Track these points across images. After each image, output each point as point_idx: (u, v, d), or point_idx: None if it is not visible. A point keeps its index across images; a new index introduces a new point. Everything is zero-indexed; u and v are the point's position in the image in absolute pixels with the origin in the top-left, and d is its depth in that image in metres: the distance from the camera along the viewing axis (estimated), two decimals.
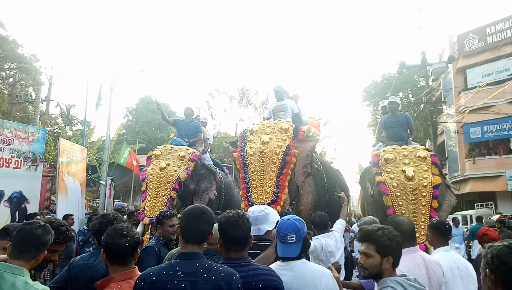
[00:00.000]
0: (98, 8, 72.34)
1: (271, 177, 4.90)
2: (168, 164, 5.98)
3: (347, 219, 4.26)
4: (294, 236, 2.04)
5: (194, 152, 6.33)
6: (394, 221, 2.37)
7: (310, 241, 2.25)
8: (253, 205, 4.22)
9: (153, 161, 6.18)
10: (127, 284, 1.86)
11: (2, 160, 6.11)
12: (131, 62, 67.99)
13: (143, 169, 6.25)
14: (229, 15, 71.11)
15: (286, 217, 2.18)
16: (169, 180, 5.81)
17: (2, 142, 6.16)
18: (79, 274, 2.30)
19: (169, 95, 75.21)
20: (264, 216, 2.70)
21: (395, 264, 1.76)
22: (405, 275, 1.76)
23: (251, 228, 2.72)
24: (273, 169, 4.97)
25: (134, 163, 10.75)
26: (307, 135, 5.67)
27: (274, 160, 5.03)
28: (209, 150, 7.43)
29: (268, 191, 4.80)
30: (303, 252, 2.08)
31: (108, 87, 11.35)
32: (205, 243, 1.91)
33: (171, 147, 6.42)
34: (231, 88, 35.20)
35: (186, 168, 6.01)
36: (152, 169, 5.99)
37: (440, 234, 2.74)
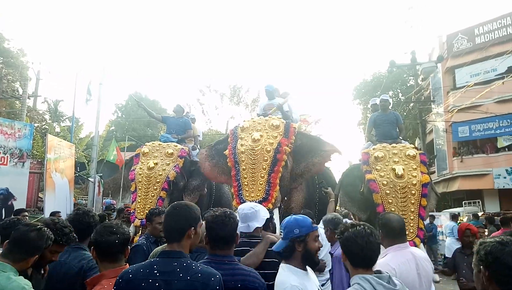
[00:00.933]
0: (87, 3, 71.33)
1: (262, 175, 4.90)
2: (156, 163, 5.86)
3: None
4: (283, 232, 2.07)
5: (183, 149, 6.25)
6: (384, 218, 2.38)
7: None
8: (244, 202, 4.22)
9: (141, 159, 6.07)
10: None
11: None
12: (120, 58, 67.28)
13: (132, 169, 6.14)
14: (220, 12, 70.81)
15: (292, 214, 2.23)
16: (158, 180, 5.69)
17: None
18: (52, 271, 2.26)
19: (159, 92, 74.64)
20: (254, 214, 2.71)
21: (355, 263, 1.73)
22: (380, 272, 1.74)
23: (240, 225, 2.73)
24: (264, 167, 4.96)
25: (120, 159, 10.62)
26: (297, 131, 5.67)
27: (265, 158, 5.02)
28: (198, 146, 7.38)
29: (260, 188, 4.80)
30: (290, 254, 2.03)
31: (97, 83, 11.21)
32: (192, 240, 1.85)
33: (159, 144, 6.30)
34: (222, 86, 35.11)
35: (175, 166, 5.91)
36: (140, 168, 5.87)
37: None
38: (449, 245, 9.16)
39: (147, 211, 5.23)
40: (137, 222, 5.36)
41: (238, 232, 2.08)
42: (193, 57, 64.31)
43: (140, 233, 5.23)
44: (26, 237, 1.95)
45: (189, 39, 69.71)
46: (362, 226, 1.77)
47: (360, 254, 1.71)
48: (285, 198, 5.19)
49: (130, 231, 5.01)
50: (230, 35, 66.23)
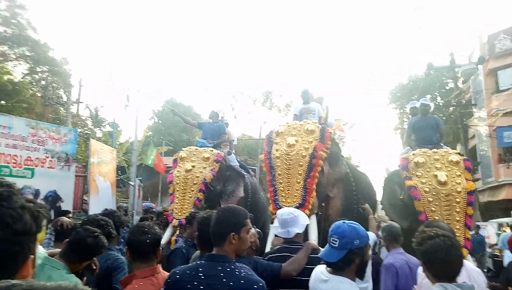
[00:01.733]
0: (124, 10, 74.27)
1: (298, 180, 4.87)
2: (194, 166, 6.02)
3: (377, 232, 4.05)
4: (337, 241, 1.86)
5: (219, 153, 6.36)
6: (434, 227, 2.29)
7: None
8: (281, 208, 4.22)
9: (179, 163, 6.24)
10: (149, 281, 1.93)
11: (37, 159, 6.36)
12: (157, 64, 69.36)
13: (170, 172, 6.33)
14: (253, 18, 71.45)
15: (342, 220, 2.00)
16: (195, 182, 5.84)
17: (37, 143, 6.41)
18: None
19: (193, 98, 76.23)
20: (293, 219, 2.69)
21: (437, 275, 1.68)
22: (464, 283, 1.68)
23: (280, 230, 2.71)
24: (299, 172, 4.93)
25: (160, 164, 10.94)
26: (333, 136, 5.61)
27: (301, 163, 4.99)
28: (233, 151, 7.47)
29: (296, 194, 4.77)
30: (346, 265, 1.86)
31: (135, 90, 11.64)
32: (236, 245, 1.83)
33: (196, 149, 6.45)
34: (255, 91, 35.34)
35: (211, 169, 6.04)
36: (178, 171, 6.04)
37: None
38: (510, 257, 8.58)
39: (184, 212, 5.43)
40: (175, 222, 5.49)
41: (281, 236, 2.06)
42: (226, 63, 65.22)
43: (177, 233, 5.36)
44: (84, 241, 2.07)
45: (222, 45, 70.81)
46: (442, 237, 1.69)
47: (442, 267, 1.65)
48: (322, 205, 5.13)
49: (167, 232, 5.14)
50: (263, 40, 66.60)
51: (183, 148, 6.75)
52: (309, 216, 4.49)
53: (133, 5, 72.18)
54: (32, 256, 0.94)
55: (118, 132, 19.25)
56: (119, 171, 14.30)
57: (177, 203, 5.73)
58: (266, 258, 2.65)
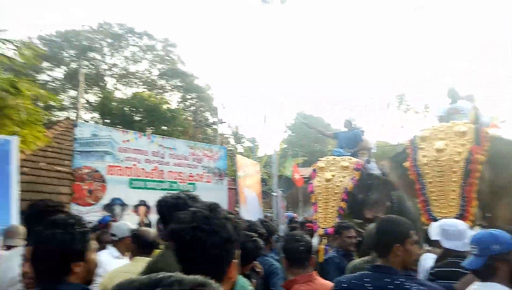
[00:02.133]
0: (251, 31, 79.82)
1: (453, 189, 4.45)
2: (333, 175, 6.06)
3: None
4: (476, 247, 1.85)
5: (358, 161, 6.24)
6: None
7: None
8: (435, 219, 3.95)
9: (318, 173, 6.35)
10: (308, 286, 2.03)
11: (197, 175, 7.39)
12: (286, 78, 72.07)
13: (310, 182, 6.51)
14: (380, 19, 67.98)
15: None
16: (336, 191, 5.87)
17: (196, 160, 7.47)
18: None
19: (322, 108, 76.22)
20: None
21: None
22: None
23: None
24: (454, 179, 4.51)
25: (296, 176, 11.30)
26: (492, 136, 4.94)
27: (454, 169, 4.56)
28: (373, 159, 7.23)
29: (452, 204, 4.36)
30: (490, 272, 1.78)
31: (271, 106, 12.42)
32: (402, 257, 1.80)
33: (334, 159, 6.46)
34: (387, 95, 33.49)
35: (352, 178, 5.98)
36: (318, 181, 6.16)
37: None
38: None
39: (328, 221, 5.53)
40: (321, 231, 5.61)
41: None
42: (356, 68, 63.43)
43: (324, 241, 5.46)
44: (244, 246, 2.35)
45: (352, 50, 69.36)
46: None
47: None
48: (485, 215, 4.54)
49: (314, 241, 5.31)
50: (396, 41, 62.58)
51: (320, 158, 6.86)
52: (471, 228, 4.04)
53: (259, 23, 77.09)
54: (235, 261, 1.10)
55: (256, 146, 20.74)
56: (263, 183, 15.40)
57: (320, 212, 5.84)
58: (432, 271, 2.51)
